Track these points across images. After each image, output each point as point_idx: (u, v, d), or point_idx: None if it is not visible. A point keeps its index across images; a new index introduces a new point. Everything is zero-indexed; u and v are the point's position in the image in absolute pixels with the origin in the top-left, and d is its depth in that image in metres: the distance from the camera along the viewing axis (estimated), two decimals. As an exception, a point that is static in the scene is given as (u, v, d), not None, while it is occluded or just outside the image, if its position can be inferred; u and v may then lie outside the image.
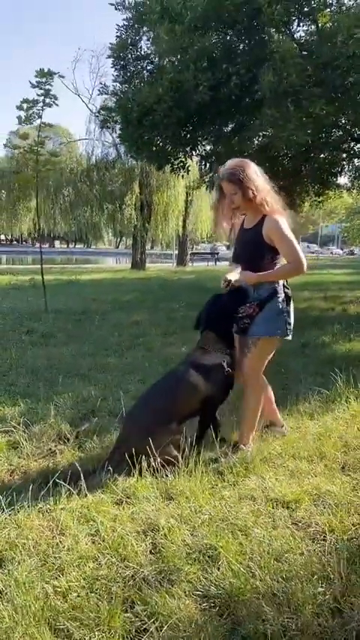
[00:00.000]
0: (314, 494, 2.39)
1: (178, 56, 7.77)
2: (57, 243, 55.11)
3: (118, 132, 8.70)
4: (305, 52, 8.10)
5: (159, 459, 2.48)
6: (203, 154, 8.97)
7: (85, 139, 20.68)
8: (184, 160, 8.83)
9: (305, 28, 8.98)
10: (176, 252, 25.16)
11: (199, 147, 8.78)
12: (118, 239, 49.80)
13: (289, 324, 2.80)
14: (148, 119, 8.09)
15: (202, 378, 2.70)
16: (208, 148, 9.04)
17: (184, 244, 24.15)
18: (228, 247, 64.20)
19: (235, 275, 2.80)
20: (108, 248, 53.82)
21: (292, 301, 2.84)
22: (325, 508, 2.28)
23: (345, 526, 2.13)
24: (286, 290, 2.82)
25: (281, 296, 2.77)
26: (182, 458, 2.55)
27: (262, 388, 2.93)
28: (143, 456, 2.47)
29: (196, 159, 9.03)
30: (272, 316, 2.76)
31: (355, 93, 7.97)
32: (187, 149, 8.47)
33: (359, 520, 2.17)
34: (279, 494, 2.38)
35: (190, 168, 9.11)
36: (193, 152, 8.69)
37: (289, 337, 2.83)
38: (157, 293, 11.31)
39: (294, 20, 8.57)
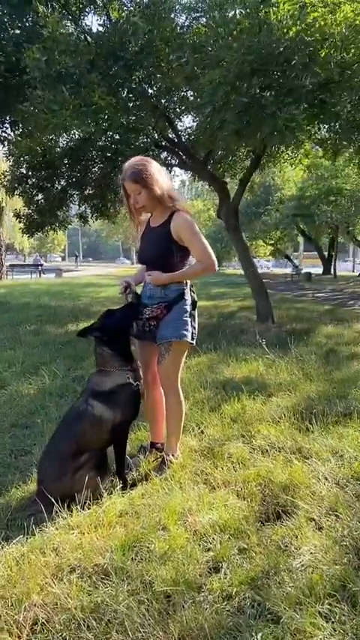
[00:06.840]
0: None
1: None
2: None
3: None
4: (92, 41, 7.32)
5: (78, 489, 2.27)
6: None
7: None
8: None
9: (100, 21, 8.31)
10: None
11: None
12: None
13: (195, 328, 2.66)
14: None
15: (107, 406, 2.42)
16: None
17: (-1, 255, 21.64)
18: (63, 258, 60.46)
19: (141, 278, 2.73)
20: None
21: (196, 307, 2.71)
22: None
23: None
24: (192, 294, 2.69)
25: (188, 299, 2.65)
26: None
27: (180, 393, 2.71)
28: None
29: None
30: (179, 318, 2.60)
31: (146, 91, 7.47)
32: None
33: None
34: None
35: None
36: None
37: (193, 343, 2.67)
38: None
39: (85, 8, 7.80)
